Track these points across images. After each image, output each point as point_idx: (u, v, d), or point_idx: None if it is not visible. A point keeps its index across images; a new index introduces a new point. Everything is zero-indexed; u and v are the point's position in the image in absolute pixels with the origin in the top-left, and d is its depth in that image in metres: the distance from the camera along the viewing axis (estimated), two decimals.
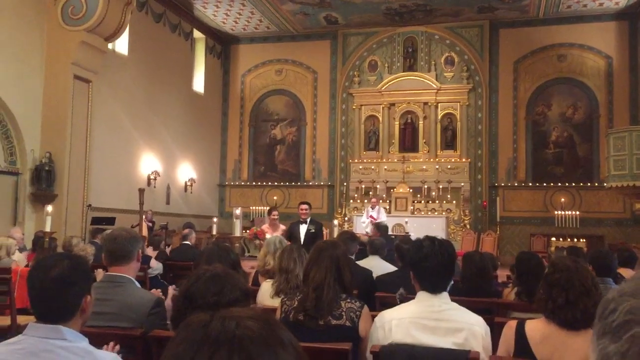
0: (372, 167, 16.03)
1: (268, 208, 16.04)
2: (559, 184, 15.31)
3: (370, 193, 14.92)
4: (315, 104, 17.09)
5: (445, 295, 2.57)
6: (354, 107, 16.60)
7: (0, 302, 4.83)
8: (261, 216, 15.49)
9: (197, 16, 15.78)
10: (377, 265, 5.56)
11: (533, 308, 2.70)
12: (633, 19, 14.98)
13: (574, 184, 15.21)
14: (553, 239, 13.43)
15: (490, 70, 15.91)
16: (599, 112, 15.26)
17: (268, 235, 7.85)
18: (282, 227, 8.49)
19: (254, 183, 17.35)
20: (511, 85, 15.89)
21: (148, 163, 14.01)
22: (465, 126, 15.88)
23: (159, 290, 3.78)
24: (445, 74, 16.04)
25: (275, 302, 3.40)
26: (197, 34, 16.42)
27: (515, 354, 2.45)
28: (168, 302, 3.52)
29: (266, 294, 3.83)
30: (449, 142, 15.90)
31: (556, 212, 14.71)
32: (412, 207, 14.32)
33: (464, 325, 2.50)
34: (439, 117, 15.89)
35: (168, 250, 8.41)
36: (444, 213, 14.23)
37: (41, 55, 10.71)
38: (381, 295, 4.23)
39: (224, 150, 17.68)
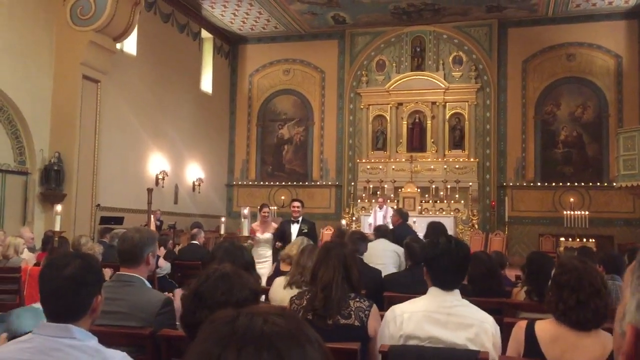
0: (380, 166, 16.01)
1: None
2: (568, 184, 15.22)
3: (378, 193, 14.90)
4: (322, 104, 17.08)
5: (456, 292, 2.61)
6: (361, 106, 16.58)
7: (9, 301, 4.86)
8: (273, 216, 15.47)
9: (204, 16, 15.81)
10: (384, 247, 5.69)
11: (542, 308, 2.69)
12: None
13: (583, 184, 15.12)
14: (562, 239, 13.37)
15: (499, 69, 15.85)
16: (608, 111, 15.16)
17: (259, 235, 7.60)
18: (274, 224, 7.95)
19: (261, 183, 17.37)
20: (520, 84, 15.82)
21: (156, 163, 14.06)
22: (474, 126, 15.82)
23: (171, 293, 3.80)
24: (453, 73, 16.00)
25: (286, 294, 3.45)
26: (205, 33, 16.45)
27: (525, 354, 2.44)
28: (177, 302, 3.54)
29: (279, 288, 3.88)
30: (457, 142, 15.85)
31: (565, 212, 14.63)
32: (420, 207, 14.28)
33: (474, 322, 2.53)
34: (447, 116, 15.85)
35: (176, 249, 8.43)
36: (452, 213, 14.18)
37: (50, 56, 10.77)
38: (389, 295, 4.21)
39: (232, 150, 17.71)
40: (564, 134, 15.52)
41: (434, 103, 15.93)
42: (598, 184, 15.03)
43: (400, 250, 5.90)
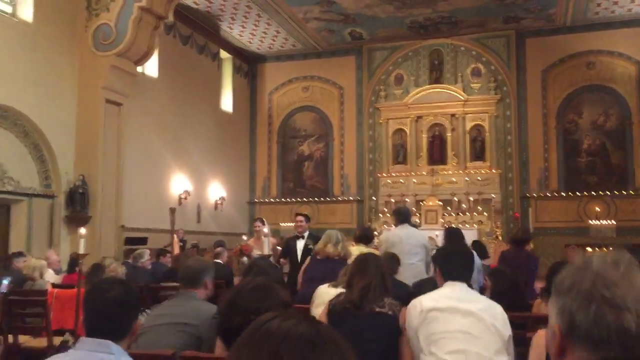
0: (401, 180, 15.96)
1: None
2: (593, 193, 15.00)
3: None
4: (342, 120, 17.14)
5: (466, 285, 2.97)
6: (380, 121, 16.59)
7: (36, 325, 4.93)
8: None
9: (223, 36, 16.03)
10: (410, 241, 5.60)
11: None
12: None
13: (608, 193, 14.89)
14: (589, 249, 13.13)
15: (518, 80, 15.76)
16: (631, 119, 14.95)
17: (257, 252, 7.30)
18: (272, 240, 7.26)
19: (283, 199, 17.42)
20: (540, 94, 15.70)
21: (179, 183, 14.21)
22: (495, 137, 15.72)
23: None
24: (472, 85, 15.95)
25: (332, 291, 3.74)
26: (224, 54, 16.67)
27: None
28: None
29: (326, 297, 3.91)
30: (478, 154, 15.74)
31: (591, 222, 14.39)
32: (442, 220, 14.18)
33: (485, 300, 2.98)
34: (467, 128, 15.77)
35: None
36: (475, 225, 14.06)
37: (73, 81, 11.00)
38: None
39: (253, 168, 17.83)
40: (586, 143, 15.32)
41: (453, 115, 15.87)
42: (623, 192, 14.79)
43: (426, 240, 5.85)
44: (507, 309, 3.87)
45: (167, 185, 13.86)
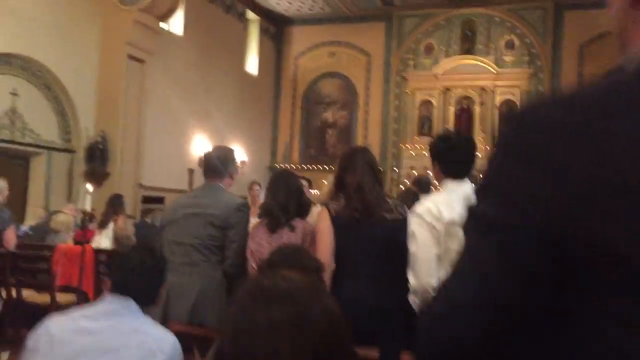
0: (425, 153, 15.61)
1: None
2: None
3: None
4: (367, 88, 16.77)
5: (467, 180, 2.75)
6: (407, 91, 16.20)
7: (41, 280, 4.88)
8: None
9: None
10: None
11: None
12: None
13: None
14: None
15: (554, 54, 15.17)
16: None
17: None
18: None
19: (304, 166, 17.24)
20: (575, 70, 15.11)
21: (199, 144, 14.08)
22: None
23: None
24: (504, 57, 15.41)
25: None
26: (250, 15, 16.33)
27: None
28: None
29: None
30: None
31: None
32: None
33: None
34: (497, 103, 15.31)
35: None
36: None
37: (97, 35, 10.83)
38: None
39: (275, 133, 17.63)
40: None
41: (483, 88, 15.40)
42: None
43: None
44: None
45: (187, 145, 13.75)
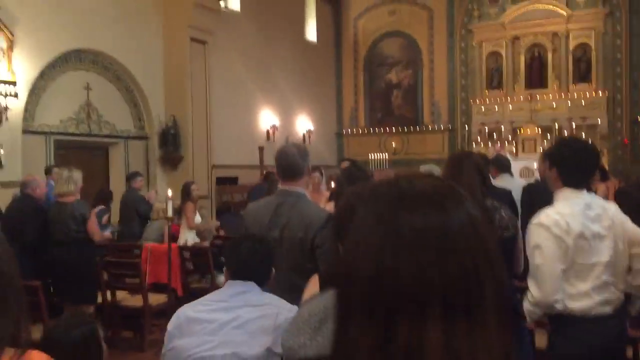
0: (496, 107, 15.08)
1: (386, 155, 15.79)
2: None
3: (495, 135, 14.11)
4: (431, 44, 16.24)
5: (585, 190, 2.63)
6: (474, 44, 15.58)
7: (132, 283, 5.05)
8: (379, 166, 15.26)
9: None
10: (511, 185, 4.94)
11: None
12: None
13: None
14: None
15: None
16: None
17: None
18: (326, 193, 5.52)
19: (371, 130, 17.06)
20: None
21: (266, 118, 14.18)
22: (602, 56, 14.34)
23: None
24: None
25: None
26: None
27: None
28: None
29: None
30: (583, 75, 14.50)
31: None
32: (541, 149, 13.35)
33: (608, 207, 2.62)
34: (571, 47, 14.47)
35: None
36: None
37: (159, 21, 10.97)
38: None
39: (340, 99, 17.48)
40: None
41: (555, 34, 14.58)
42: None
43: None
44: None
45: (255, 121, 13.86)
